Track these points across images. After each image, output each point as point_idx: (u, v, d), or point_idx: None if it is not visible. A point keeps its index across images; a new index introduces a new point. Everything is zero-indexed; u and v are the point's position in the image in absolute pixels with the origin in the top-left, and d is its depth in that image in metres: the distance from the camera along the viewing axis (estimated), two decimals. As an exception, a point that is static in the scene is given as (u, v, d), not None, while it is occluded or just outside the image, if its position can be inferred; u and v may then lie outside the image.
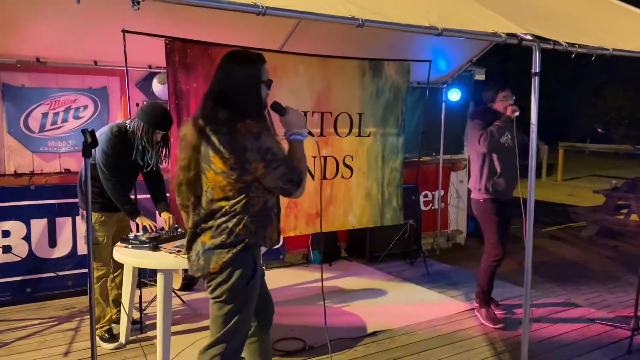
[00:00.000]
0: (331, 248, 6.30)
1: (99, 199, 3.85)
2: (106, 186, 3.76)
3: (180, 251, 3.48)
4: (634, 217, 7.61)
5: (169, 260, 3.41)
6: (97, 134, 3.81)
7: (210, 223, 2.45)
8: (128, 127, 3.78)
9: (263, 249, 2.70)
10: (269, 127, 2.48)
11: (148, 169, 3.89)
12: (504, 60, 18.95)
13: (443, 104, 6.75)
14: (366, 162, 5.52)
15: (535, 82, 2.99)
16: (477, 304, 4.63)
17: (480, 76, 7.35)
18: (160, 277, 3.42)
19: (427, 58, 5.82)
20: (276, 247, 5.80)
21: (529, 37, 2.97)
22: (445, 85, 6.73)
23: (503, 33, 2.92)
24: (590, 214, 8.20)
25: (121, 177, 3.79)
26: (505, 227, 4.54)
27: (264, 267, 2.81)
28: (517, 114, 4.21)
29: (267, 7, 2.24)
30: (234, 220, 2.41)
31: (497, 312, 4.62)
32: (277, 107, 2.52)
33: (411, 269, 6.08)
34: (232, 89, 2.42)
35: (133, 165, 3.85)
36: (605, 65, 22.90)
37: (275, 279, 5.65)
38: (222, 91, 2.43)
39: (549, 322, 4.55)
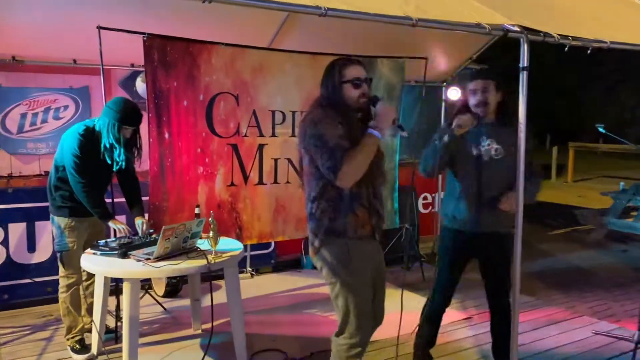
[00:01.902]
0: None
1: (69, 203, 3.68)
2: (75, 189, 3.58)
3: (149, 258, 3.29)
4: (643, 220, 7.32)
5: (135, 268, 3.22)
6: (64, 135, 3.68)
7: (307, 210, 2.70)
8: (95, 126, 3.60)
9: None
10: (340, 120, 2.55)
11: (117, 168, 3.68)
12: (515, 60, 18.65)
13: (443, 103, 6.50)
14: (359, 163, 5.31)
15: (523, 78, 2.78)
16: None
17: (482, 74, 7.08)
18: (126, 287, 3.23)
19: (424, 55, 5.59)
20: (267, 251, 5.79)
21: (516, 28, 2.74)
22: (444, 84, 6.48)
23: (487, 24, 2.69)
24: (598, 216, 7.92)
25: (91, 179, 3.61)
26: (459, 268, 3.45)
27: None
28: (466, 126, 3.10)
29: (213, -6, 2.03)
30: (314, 205, 2.62)
31: None
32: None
33: (407, 275, 5.85)
34: (321, 90, 2.69)
35: (103, 166, 3.65)
36: (619, 64, 22.52)
37: (265, 284, 5.46)
38: (319, 93, 2.71)
39: (548, 333, 4.30)
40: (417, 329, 3.62)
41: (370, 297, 2.73)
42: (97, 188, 3.73)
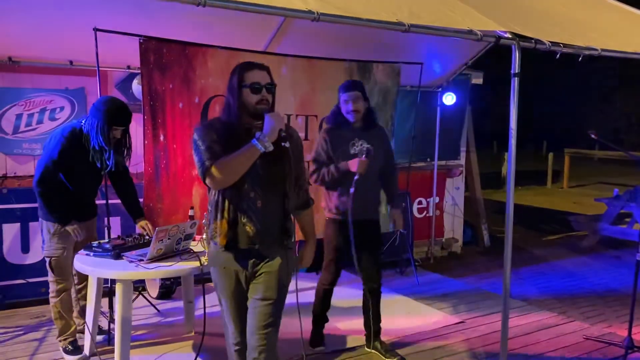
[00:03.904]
0: (319, 256, 6.06)
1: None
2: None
3: (142, 260, 3.31)
4: (637, 226, 7.33)
5: (128, 270, 3.23)
6: (50, 136, 3.65)
7: None
8: (83, 128, 3.54)
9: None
10: (222, 125, 2.55)
11: (107, 170, 3.65)
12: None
13: (438, 108, 6.53)
14: (353, 167, 5.32)
15: (514, 84, 2.80)
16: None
17: (477, 80, 7.13)
18: (118, 288, 3.24)
19: (420, 60, 5.62)
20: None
21: (507, 35, 2.77)
22: (440, 89, 6.51)
23: (479, 31, 2.72)
24: (592, 222, 7.95)
25: (79, 184, 3.61)
26: (363, 251, 3.81)
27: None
28: (354, 169, 3.60)
29: (206, -2, 2.05)
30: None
31: None
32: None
33: (401, 279, 5.86)
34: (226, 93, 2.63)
35: (92, 168, 3.61)
36: (615, 71, 22.62)
37: (259, 287, 5.45)
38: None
39: (539, 338, 4.32)
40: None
41: (229, 303, 2.68)
42: (87, 191, 3.73)
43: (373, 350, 3.99)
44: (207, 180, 2.49)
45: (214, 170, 2.44)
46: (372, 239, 3.89)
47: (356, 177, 3.60)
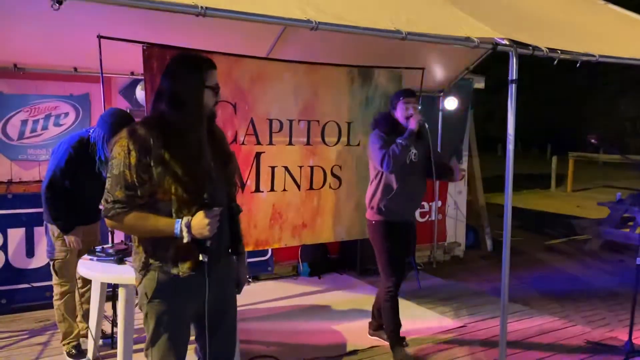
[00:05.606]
0: (321, 260, 6.12)
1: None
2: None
3: (144, 265, 3.34)
4: (639, 230, 7.33)
5: (131, 274, 3.24)
6: (59, 143, 3.72)
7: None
8: (91, 137, 3.63)
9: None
10: (175, 124, 2.21)
11: None
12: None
13: (440, 113, 6.56)
14: (355, 172, 5.34)
15: (511, 90, 2.83)
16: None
17: (479, 85, 7.16)
18: (121, 292, 3.28)
19: (421, 65, 5.65)
20: (264, 258, 5.80)
21: (505, 42, 2.80)
22: (442, 94, 6.54)
23: (477, 38, 2.75)
24: (595, 226, 7.95)
25: (84, 190, 3.65)
26: (403, 251, 4.01)
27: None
28: (413, 126, 3.79)
29: (206, 8, 2.09)
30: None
31: None
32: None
33: (403, 283, 5.86)
34: (170, 87, 2.28)
35: (97, 176, 3.65)
36: (619, 75, 22.60)
37: (262, 291, 5.49)
38: (168, 90, 2.31)
39: (540, 342, 4.33)
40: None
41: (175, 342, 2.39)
42: (91, 196, 3.76)
43: (376, 337, 4.27)
44: (109, 223, 2.19)
45: (124, 224, 2.15)
46: (410, 240, 4.06)
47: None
